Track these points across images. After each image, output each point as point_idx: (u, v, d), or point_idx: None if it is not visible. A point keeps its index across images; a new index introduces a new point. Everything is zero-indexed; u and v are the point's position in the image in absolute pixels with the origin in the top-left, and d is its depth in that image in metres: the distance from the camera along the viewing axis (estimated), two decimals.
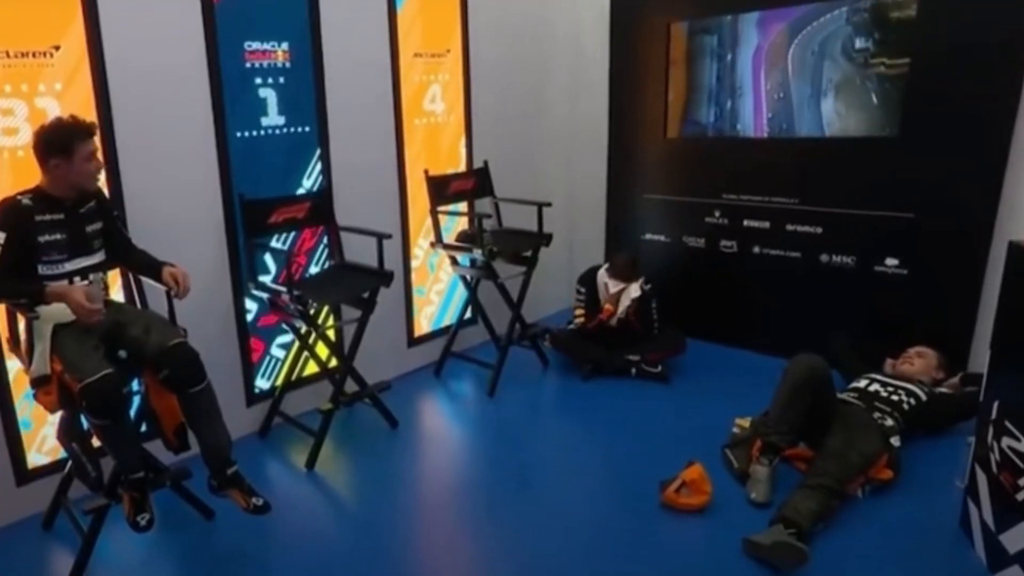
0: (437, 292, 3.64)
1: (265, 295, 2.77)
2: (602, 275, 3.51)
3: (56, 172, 1.96)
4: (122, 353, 2.04)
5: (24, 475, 2.35)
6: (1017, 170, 2.82)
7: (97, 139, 2.04)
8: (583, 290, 3.54)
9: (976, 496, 2.06)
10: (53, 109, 2.20)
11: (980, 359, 2.22)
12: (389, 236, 2.77)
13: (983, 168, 2.88)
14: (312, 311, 2.67)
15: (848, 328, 3.22)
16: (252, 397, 2.93)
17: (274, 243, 2.86)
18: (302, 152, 2.93)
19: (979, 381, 2.15)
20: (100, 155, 2.05)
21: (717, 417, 2.85)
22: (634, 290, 3.42)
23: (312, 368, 3.01)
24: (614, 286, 3.42)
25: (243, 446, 2.65)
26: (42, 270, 1.97)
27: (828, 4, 3.14)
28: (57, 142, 1.94)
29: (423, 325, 3.59)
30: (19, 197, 1.97)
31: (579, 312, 3.53)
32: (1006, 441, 1.89)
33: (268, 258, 2.86)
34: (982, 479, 2.03)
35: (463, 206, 3.52)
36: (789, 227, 3.45)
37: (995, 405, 1.98)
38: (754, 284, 3.61)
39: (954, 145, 2.93)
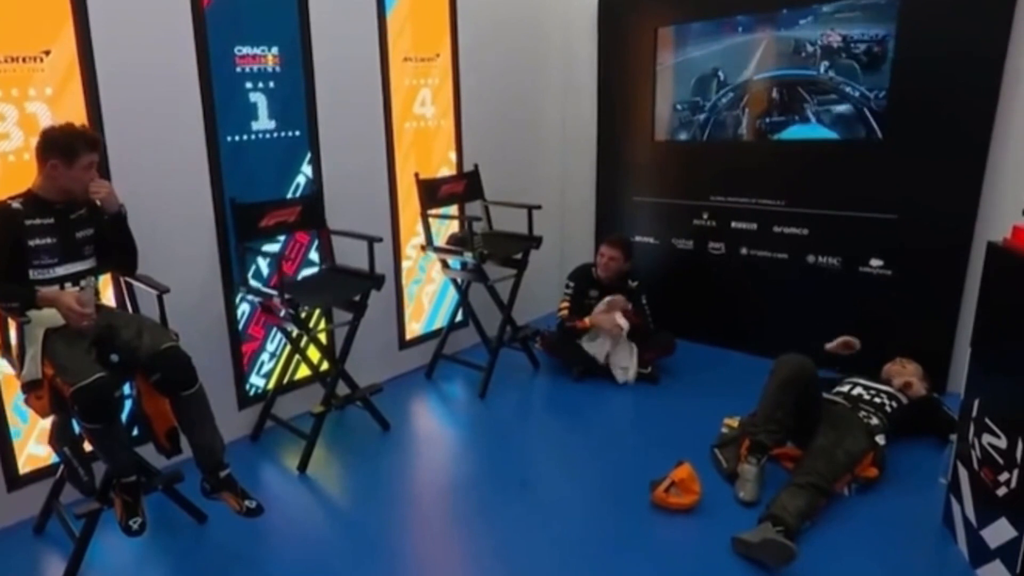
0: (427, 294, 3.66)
1: (257, 298, 2.77)
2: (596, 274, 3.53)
3: (52, 173, 1.97)
4: (114, 357, 2.05)
5: (15, 480, 2.35)
6: (995, 173, 2.88)
7: (97, 155, 2.04)
8: (572, 284, 3.55)
9: (958, 492, 2.10)
10: (43, 114, 2.21)
11: (961, 358, 2.26)
12: (380, 239, 2.78)
13: (963, 171, 2.94)
14: (303, 314, 2.68)
15: (835, 328, 3.26)
16: (244, 400, 2.93)
17: (265, 247, 2.87)
18: (293, 156, 2.93)
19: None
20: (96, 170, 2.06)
21: (706, 417, 2.88)
22: (619, 323, 3.32)
23: (304, 371, 3.01)
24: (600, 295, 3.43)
25: (235, 449, 2.65)
26: (33, 274, 1.97)
27: (809, 10, 3.19)
28: (62, 144, 1.96)
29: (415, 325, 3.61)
30: (9, 201, 1.98)
31: (563, 305, 3.53)
32: (986, 438, 1.93)
33: (259, 262, 2.87)
34: (964, 476, 2.07)
35: (453, 209, 3.54)
36: (776, 229, 3.49)
37: (975, 403, 2.02)
38: (742, 285, 3.65)
39: (935, 149, 2.98)
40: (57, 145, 1.95)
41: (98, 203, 2.08)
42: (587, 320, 3.38)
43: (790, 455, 2.51)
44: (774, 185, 3.47)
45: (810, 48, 3.23)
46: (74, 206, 2.07)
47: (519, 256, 3.33)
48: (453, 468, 2.84)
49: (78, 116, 2.24)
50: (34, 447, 2.37)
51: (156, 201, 2.51)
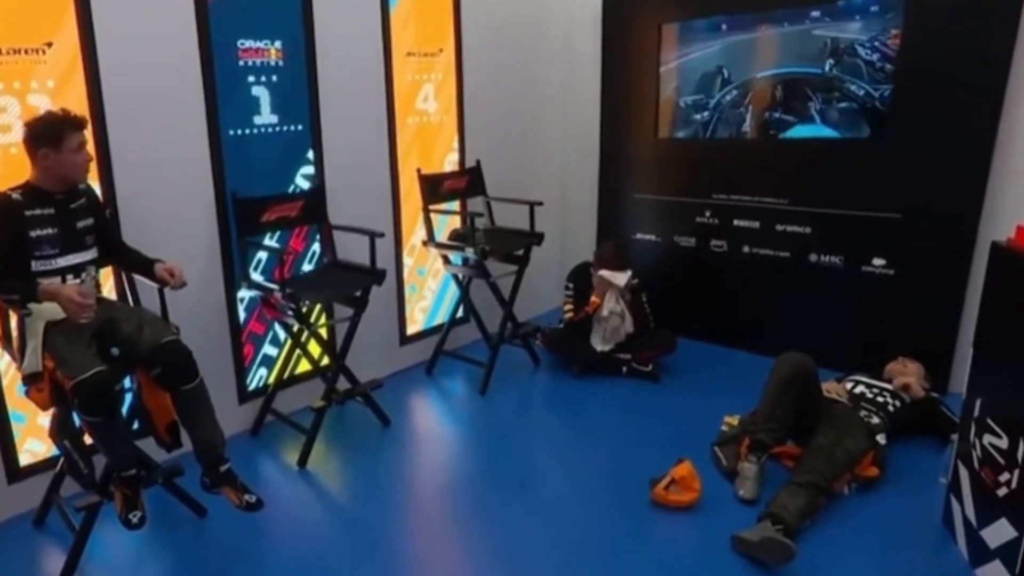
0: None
1: (258, 293, 2.77)
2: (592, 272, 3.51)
3: (44, 162, 1.97)
4: (115, 350, 2.05)
5: (15, 472, 2.35)
6: (999, 173, 2.87)
7: (88, 132, 2.05)
8: (571, 286, 3.54)
9: (959, 492, 2.10)
10: (46, 106, 2.20)
11: (964, 358, 2.26)
12: (381, 234, 2.77)
13: (967, 171, 2.92)
14: (304, 309, 2.67)
15: (836, 328, 3.25)
16: (244, 395, 2.93)
17: (267, 241, 2.86)
18: (295, 151, 2.93)
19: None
20: (90, 148, 2.06)
21: (706, 415, 2.88)
22: (619, 279, 3.35)
23: (304, 366, 3.01)
24: (602, 278, 3.41)
25: (235, 444, 2.66)
26: (36, 266, 1.97)
27: (815, 7, 3.18)
28: (46, 132, 1.95)
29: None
30: (9, 192, 1.98)
31: (567, 307, 3.53)
32: (987, 438, 1.92)
33: (261, 256, 2.86)
34: (964, 476, 2.07)
35: (455, 205, 3.53)
36: (778, 227, 3.48)
37: (977, 403, 2.01)
38: (744, 283, 3.64)
39: (939, 148, 2.97)
40: (43, 134, 1.95)
41: (161, 276, 2.14)
42: (593, 298, 3.37)
43: (790, 454, 2.51)
44: (777, 183, 3.46)
45: (815, 46, 3.22)
46: (74, 196, 2.07)
47: (520, 252, 3.33)
48: (453, 465, 2.84)
49: (80, 109, 2.23)
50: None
51: (158, 194, 2.51)
